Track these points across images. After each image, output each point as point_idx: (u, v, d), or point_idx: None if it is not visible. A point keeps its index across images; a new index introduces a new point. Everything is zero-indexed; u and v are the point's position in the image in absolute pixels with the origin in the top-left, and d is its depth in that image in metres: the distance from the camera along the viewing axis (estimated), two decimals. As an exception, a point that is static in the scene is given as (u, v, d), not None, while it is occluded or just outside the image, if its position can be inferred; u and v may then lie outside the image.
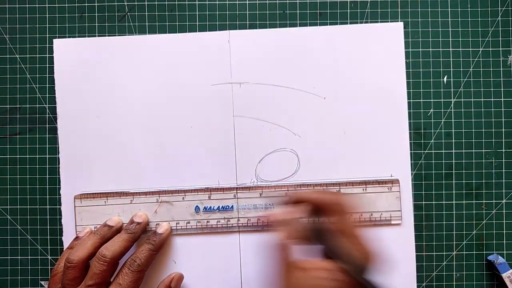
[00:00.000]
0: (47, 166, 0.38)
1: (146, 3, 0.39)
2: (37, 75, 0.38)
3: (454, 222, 0.38)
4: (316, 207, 0.31)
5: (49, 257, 0.38)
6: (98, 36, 0.38)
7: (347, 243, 0.29)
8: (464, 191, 0.38)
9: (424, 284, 0.38)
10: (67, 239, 0.37)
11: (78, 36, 0.38)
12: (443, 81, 0.38)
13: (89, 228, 0.36)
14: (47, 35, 0.38)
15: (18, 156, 0.38)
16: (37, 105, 0.38)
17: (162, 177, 0.37)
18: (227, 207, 0.37)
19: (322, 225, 0.30)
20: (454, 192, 0.38)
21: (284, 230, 0.30)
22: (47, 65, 0.38)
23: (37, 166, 0.38)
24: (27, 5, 0.38)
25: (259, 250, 0.37)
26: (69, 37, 0.38)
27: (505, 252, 0.38)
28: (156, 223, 0.37)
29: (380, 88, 0.38)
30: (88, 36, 0.38)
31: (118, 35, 0.38)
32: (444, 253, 0.38)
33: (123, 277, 0.32)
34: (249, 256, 0.37)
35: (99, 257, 0.32)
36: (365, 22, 0.38)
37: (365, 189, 0.37)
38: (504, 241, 0.38)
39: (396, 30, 0.38)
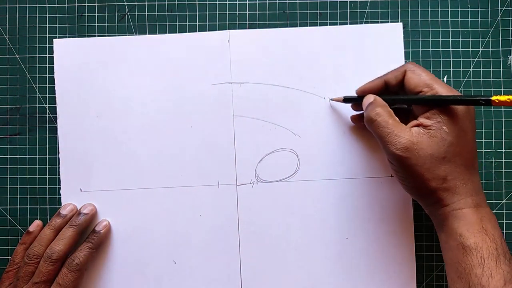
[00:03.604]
0: (47, 166, 0.38)
1: (146, 3, 0.39)
2: (37, 75, 0.38)
3: (454, 222, 0.38)
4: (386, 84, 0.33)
5: (49, 257, 0.38)
6: (98, 36, 0.38)
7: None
8: (464, 191, 0.38)
9: (424, 284, 0.38)
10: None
11: (78, 36, 0.38)
12: (443, 81, 0.38)
13: (38, 221, 0.37)
14: (47, 35, 0.38)
15: (18, 156, 0.38)
16: (37, 105, 0.38)
17: (161, 177, 0.37)
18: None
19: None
20: (454, 192, 0.38)
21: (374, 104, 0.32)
22: (47, 65, 0.38)
23: (37, 166, 0.38)
24: (27, 5, 0.38)
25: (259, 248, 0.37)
26: (69, 37, 0.38)
27: (505, 252, 0.38)
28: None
29: (380, 88, 0.38)
30: (88, 36, 0.38)
31: (118, 35, 0.38)
32: (444, 253, 0.38)
33: (62, 277, 0.34)
34: (249, 255, 0.37)
35: (46, 258, 0.34)
36: (365, 22, 0.38)
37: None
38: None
39: (396, 31, 0.38)
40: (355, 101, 0.35)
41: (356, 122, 0.37)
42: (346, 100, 0.36)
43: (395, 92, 0.33)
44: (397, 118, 0.31)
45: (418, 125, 0.30)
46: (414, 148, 0.29)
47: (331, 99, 0.37)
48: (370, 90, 0.34)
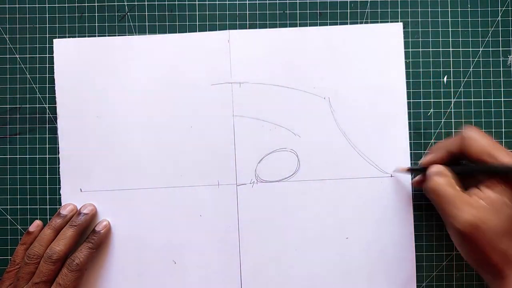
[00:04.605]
0: (47, 166, 0.38)
1: (146, 3, 0.39)
2: (37, 75, 0.38)
3: (454, 222, 0.38)
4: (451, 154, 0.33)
5: (49, 257, 0.38)
6: (98, 36, 0.38)
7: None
8: (464, 191, 0.38)
9: (424, 284, 0.38)
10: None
11: (78, 36, 0.38)
12: (443, 81, 0.38)
13: (38, 221, 0.37)
14: (47, 35, 0.38)
15: (18, 156, 0.38)
16: (37, 105, 0.38)
17: (161, 177, 0.37)
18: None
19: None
20: (454, 192, 0.38)
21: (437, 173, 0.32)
22: (47, 65, 0.38)
23: (37, 166, 0.38)
24: (27, 5, 0.38)
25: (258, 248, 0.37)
26: (69, 37, 0.38)
27: (505, 252, 0.38)
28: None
29: (380, 88, 0.38)
30: (88, 36, 0.38)
31: (118, 35, 0.38)
32: (444, 253, 0.38)
33: (63, 277, 0.34)
34: (249, 255, 0.37)
35: (46, 258, 0.34)
36: (365, 22, 0.38)
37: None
38: (504, 241, 0.38)
39: (396, 31, 0.38)
40: (420, 171, 0.35)
41: (418, 186, 0.36)
42: (410, 170, 0.36)
43: (459, 159, 0.33)
44: (458, 188, 0.31)
45: (479, 195, 0.30)
46: (475, 223, 0.29)
47: (394, 171, 0.37)
48: (434, 160, 0.33)
